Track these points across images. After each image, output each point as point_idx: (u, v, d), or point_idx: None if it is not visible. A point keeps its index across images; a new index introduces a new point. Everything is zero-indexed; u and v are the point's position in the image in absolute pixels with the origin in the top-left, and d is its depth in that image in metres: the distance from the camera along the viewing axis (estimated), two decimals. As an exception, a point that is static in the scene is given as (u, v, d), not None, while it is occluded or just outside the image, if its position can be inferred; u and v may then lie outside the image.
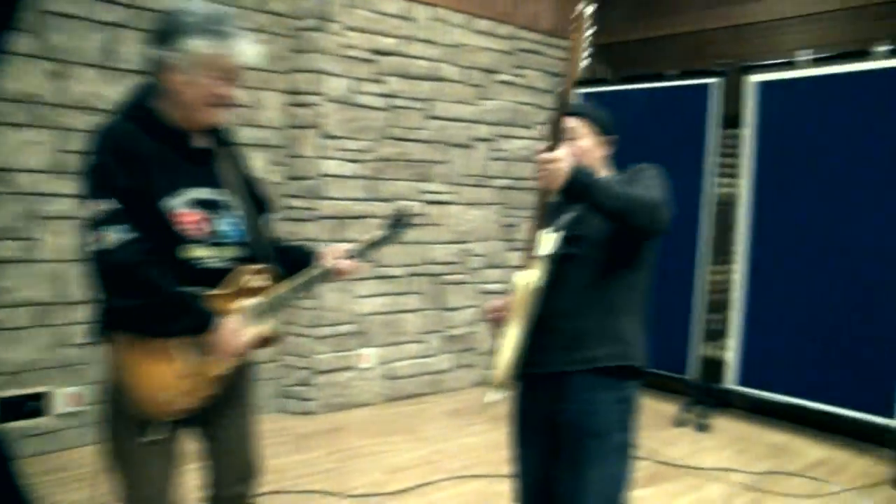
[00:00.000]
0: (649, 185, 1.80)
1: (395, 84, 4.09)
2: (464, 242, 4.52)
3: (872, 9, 3.75)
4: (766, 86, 3.89)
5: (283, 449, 3.40)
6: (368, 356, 4.15)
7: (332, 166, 3.89)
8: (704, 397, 4.09)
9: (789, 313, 3.83)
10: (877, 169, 3.50)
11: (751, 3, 4.22)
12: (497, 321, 1.95)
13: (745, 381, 4.02)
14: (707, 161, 4.13)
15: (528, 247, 1.87)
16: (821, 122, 3.69)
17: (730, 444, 3.75)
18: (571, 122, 1.92)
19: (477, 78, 4.47)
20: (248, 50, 1.68)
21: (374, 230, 2.13)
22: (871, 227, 3.53)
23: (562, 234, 1.89)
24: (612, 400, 1.86)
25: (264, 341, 1.81)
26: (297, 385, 3.95)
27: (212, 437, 1.84)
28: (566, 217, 1.92)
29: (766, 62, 3.91)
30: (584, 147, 1.94)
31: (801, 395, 3.77)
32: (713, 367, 4.16)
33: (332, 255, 1.95)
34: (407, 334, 4.31)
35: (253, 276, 1.80)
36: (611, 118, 2.00)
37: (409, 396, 4.33)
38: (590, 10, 1.70)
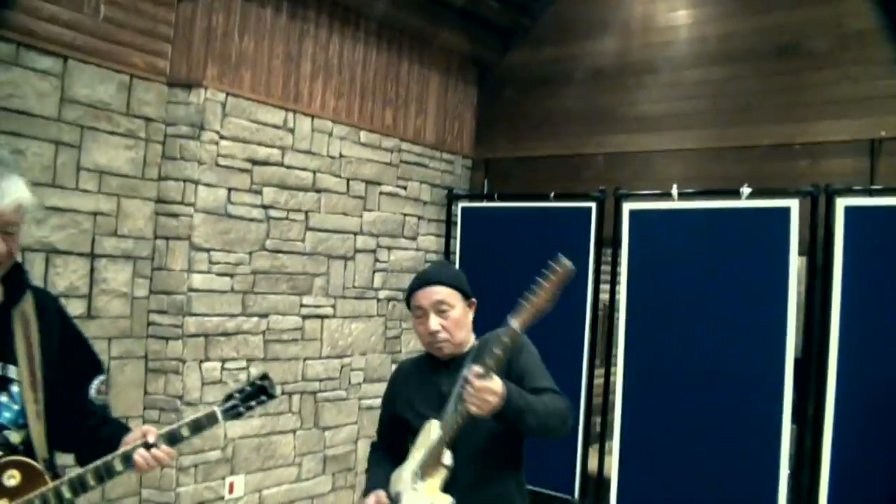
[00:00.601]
0: (545, 375, 1.75)
1: (272, 195, 3.93)
2: (343, 357, 4.33)
3: (731, 151, 4.03)
4: (639, 213, 4.03)
5: None
6: (236, 484, 3.81)
7: (202, 280, 3.64)
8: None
9: (665, 434, 3.85)
10: (737, 300, 3.67)
11: (625, 134, 4.43)
12: None
13: (627, 499, 3.98)
14: (589, 277, 4.19)
15: (432, 456, 1.74)
16: (690, 251, 3.85)
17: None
18: (442, 293, 1.86)
19: (359, 189, 4.39)
20: (9, 194, 1.45)
21: (208, 406, 1.73)
22: (735, 353, 3.66)
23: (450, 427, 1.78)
24: None
25: None
26: (153, 524, 3.54)
27: None
28: (448, 407, 1.82)
29: (639, 191, 4.08)
30: (457, 317, 1.88)
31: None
32: (597, 483, 4.11)
33: (141, 437, 1.62)
34: (281, 458, 4.01)
35: (19, 471, 1.50)
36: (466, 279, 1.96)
37: (281, 527, 4.00)
38: (570, 265, 1.68)
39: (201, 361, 3.63)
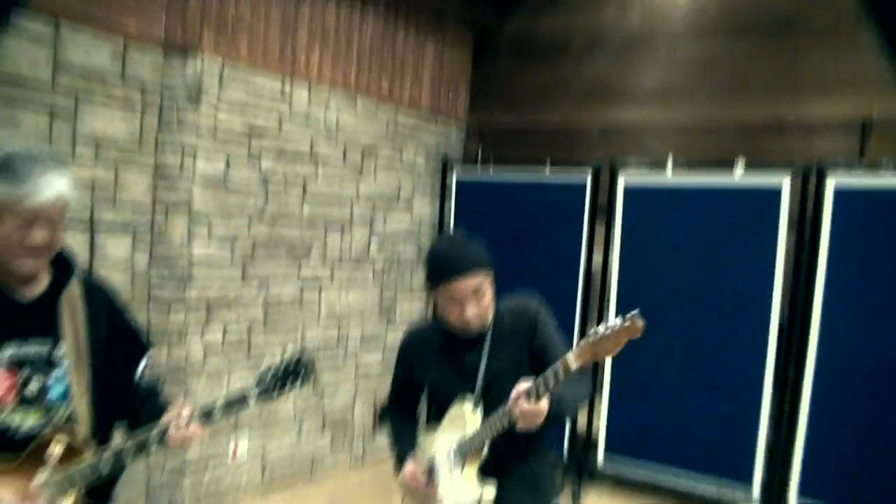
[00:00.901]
0: (565, 350, 1.81)
1: (270, 163, 3.93)
2: (340, 323, 4.40)
3: (726, 126, 4.06)
4: (634, 183, 4.09)
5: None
6: (241, 446, 3.91)
7: (201, 249, 3.66)
8: (576, 471, 4.21)
9: (652, 385, 4.04)
10: (726, 270, 3.80)
11: (620, 106, 4.45)
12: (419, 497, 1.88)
13: (613, 451, 4.16)
14: (583, 244, 4.28)
15: (472, 448, 1.81)
16: (683, 222, 3.95)
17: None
18: (479, 279, 1.87)
19: (355, 157, 4.40)
20: (48, 188, 1.54)
21: (245, 381, 1.74)
22: (723, 320, 3.82)
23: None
24: None
25: None
26: (164, 483, 3.64)
27: None
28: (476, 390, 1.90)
29: (633, 163, 4.13)
30: (490, 297, 1.92)
31: (666, 463, 3.96)
32: (585, 437, 4.27)
33: (176, 416, 1.69)
34: (282, 420, 4.12)
35: (62, 442, 1.62)
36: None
37: (284, 485, 4.12)
38: (642, 325, 1.71)
39: (203, 330, 3.68)
